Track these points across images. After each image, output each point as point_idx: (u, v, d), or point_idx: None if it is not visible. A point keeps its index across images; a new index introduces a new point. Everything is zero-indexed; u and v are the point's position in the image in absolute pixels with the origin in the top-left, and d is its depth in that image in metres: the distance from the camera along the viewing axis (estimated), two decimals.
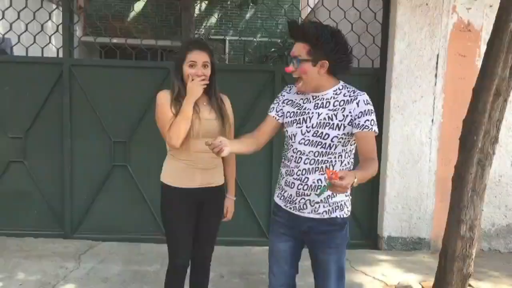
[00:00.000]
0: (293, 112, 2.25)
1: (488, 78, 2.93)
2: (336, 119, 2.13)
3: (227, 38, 13.34)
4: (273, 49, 11.99)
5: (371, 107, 2.14)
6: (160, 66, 4.64)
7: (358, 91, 2.18)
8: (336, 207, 2.21)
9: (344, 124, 2.12)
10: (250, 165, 4.33)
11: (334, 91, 2.18)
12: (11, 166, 4.61)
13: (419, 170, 4.51)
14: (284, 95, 2.35)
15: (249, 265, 4.13)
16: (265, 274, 3.90)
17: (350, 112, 2.12)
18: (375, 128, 2.13)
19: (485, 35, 4.30)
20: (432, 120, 4.47)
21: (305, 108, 2.21)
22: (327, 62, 2.12)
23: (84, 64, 4.67)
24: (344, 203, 2.24)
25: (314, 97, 2.21)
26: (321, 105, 2.18)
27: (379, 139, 4.62)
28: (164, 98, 2.51)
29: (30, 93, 4.55)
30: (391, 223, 4.57)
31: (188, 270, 2.69)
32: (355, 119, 2.11)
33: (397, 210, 4.55)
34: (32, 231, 4.63)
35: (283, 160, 2.34)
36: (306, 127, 2.17)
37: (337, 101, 2.16)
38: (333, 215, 2.21)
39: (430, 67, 4.43)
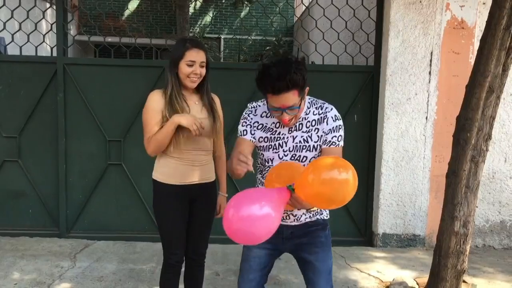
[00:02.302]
0: (267, 137, 2.18)
1: (481, 75, 2.94)
2: (312, 140, 2.13)
3: (222, 37, 13.34)
4: (267, 48, 12.02)
5: (339, 123, 2.14)
6: (154, 65, 4.64)
7: (326, 107, 2.16)
8: (316, 213, 2.25)
9: (319, 144, 2.14)
10: None
11: (304, 112, 2.14)
12: (6, 165, 4.60)
13: (413, 167, 4.53)
14: (252, 118, 2.22)
15: None
16: None
17: (323, 131, 2.13)
18: (341, 143, 2.15)
19: (479, 32, 4.34)
20: (426, 118, 4.49)
21: (279, 133, 2.16)
22: (308, 87, 2.07)
23: (78, 63, 4.65)
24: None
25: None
26: (295, 128, 2.15)
27: (373, 136, 4.64)
28: (154, 101, 2.50)
29: (24, 92, 4.54)
30: (385, 220, 4.59)
31: (183, 268, 2.70)
32: (324, 135, 2.13)
33: (392, 207, 4.57)
34: (27, 230, 4.62)
35: (260, 177, 2.29)
36: (283, 151, 2.16)
37: (309, 121, 2.14)
38: (314, 218, 2.24)
39: (424, 65, 4.45)
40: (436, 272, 3.23)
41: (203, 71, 2.52)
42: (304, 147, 2.13)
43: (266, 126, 2.20)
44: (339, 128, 2.14)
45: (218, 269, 3.93)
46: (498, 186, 4.63)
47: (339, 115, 2.17)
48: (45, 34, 4.72)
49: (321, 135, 2.13)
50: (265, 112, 2.20)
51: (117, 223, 4.65)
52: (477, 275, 3.99)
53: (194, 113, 2.51)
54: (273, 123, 2.18)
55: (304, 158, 2.13)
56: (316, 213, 2.25)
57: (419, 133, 4.50)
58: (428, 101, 4.48)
